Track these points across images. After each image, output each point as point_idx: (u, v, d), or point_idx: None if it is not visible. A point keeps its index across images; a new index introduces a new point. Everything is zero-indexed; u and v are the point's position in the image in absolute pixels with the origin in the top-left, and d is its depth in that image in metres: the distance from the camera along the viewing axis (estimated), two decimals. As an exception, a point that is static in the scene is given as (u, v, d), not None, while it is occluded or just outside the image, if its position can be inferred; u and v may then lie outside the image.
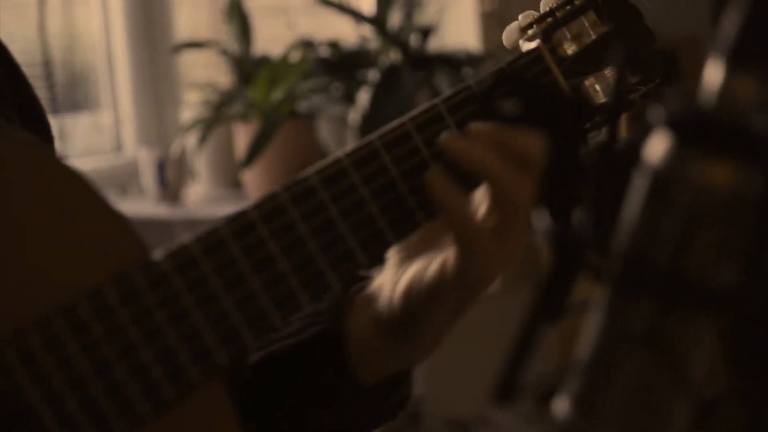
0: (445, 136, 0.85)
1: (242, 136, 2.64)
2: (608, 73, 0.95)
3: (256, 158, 2.52)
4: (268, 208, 0.80)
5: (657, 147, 0.54)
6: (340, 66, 2.83)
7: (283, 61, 2.69)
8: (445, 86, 2.76)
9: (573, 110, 0.89)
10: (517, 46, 0.97)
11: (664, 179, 0.54)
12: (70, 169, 0.76)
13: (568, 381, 0.56)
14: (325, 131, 2.85)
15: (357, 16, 2.87)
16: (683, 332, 0.54)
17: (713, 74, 0.53)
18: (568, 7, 0.95)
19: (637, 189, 0.55)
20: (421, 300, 0.88)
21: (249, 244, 0.78)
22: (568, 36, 0.94)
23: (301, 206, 0.81)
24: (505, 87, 0.89)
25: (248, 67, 2.73)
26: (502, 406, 0.54)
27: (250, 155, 2.52)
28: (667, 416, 0.55)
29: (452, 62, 2.84)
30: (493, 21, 3.33)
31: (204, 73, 3.15)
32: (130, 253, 0.76)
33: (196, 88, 2.93)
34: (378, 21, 2.82)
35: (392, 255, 0.91)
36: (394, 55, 2.84)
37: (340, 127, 2.94)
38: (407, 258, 0.90)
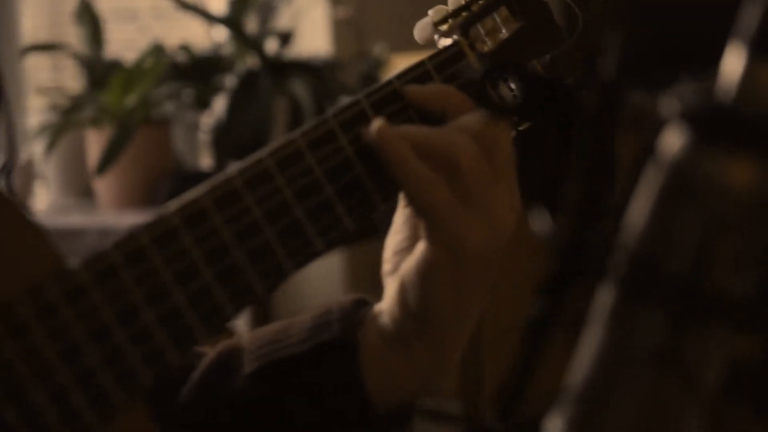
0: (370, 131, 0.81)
1: (94, 143, 2.54)
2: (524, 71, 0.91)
3: (110, 165, 2.43)
4: (189, 212, 0.74)
5: (672, 143, 0.50)
6: (194, 71, 2.75)
7: (137, 65, 2.60)
8: (302, 93, 2.71)
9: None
10: (430, 43, 0.93)
11: (679, 178, 0.50)
12: None
13: (562, 403, 0.51)
14: (179, 138, 2.76)
15: (212, 18, 2.80)
16: (701, 349, 0.50)
17: (734, 64, 0.49)
18: (481, 2, 0.92)
19: (649, 187, 0.50)
20: (415, 292, 0.83)
21: (172, 252, 0.72)
22: (482, 32, 0.91)
23: (225, 210, 0.75)
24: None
25: (100, 72, 2.63)
26: (505, 421, 0.49)
27: (104, 162, 2.42)
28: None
29: (309, 69, 2.79)
30: (347, 28, 3.29)
31: (49, 77, 3.04)
32: (45, 262, 0.69)
33: (43, 93, 2.82)
34: (234, 25, 2.76)
35: (387, 278, 0.87)
36: (250, 61, 2.77)
37: (195, 134, 2.86)
38: (398, 268, 0.86)
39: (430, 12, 0.92)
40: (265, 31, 2.80)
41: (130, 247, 0.71)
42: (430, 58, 0.87)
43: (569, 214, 0.54)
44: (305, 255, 0.78)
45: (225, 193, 0.75)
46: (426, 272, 0.82)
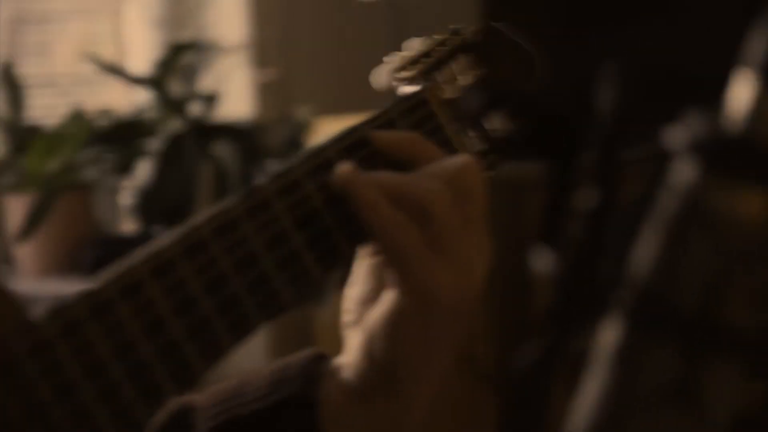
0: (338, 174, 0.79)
1: (15, 209, 2.48)
2: (486, 120, 0.90)
3: (33, 231, 2.38)
4: (155, 263, 0.71)
5: (682, 174, 0.48)
6: (116, 136, 2.71)
7: (58, 130, 2.56)
8: (227, 156, 2.69)
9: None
10: (388, 90, 0.91)
11: (690, 210, 0.48)
12: None
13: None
14: (100, 203, 2.72)
15: (136, 80, 2.77)
16: (714, 385, 0.48)
17: (742, 92, 0.48)
18: (441, 48, 0.90)
19: (659, 220, 0.49)
20: (383, 343, 0.79)
21: (139, 304, 0.69)
22: (441, 80, 0.89)
23: (194, 260, 0.72)
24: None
25: (20, 137, 2.58)
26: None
27: (27, 228, 2.37)
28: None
29: (234, 132, 2.76)
30: (271, 91, 3.28)
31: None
32: (5, 316, 0.66)
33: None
34: (157, 86, 2.73)
35: (347, 331, 0.83)
36: (174, 124, 2.74)
37: (116, 199, 2.82)
38: (361, 320, 0.82)
39: (385, 59, 0.91)
40: (189, 94, 2.77)
41: (127, 282, 0.69)
42: (394, 105, 0.85)
43: (571, 250, 0.52)
44: (274, 307, 0.75)
45: (193, 244, 0.73)
46: (394, 322, 0.79)
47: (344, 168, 0.79)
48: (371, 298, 0.83)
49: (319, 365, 0.85)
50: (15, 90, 2.62)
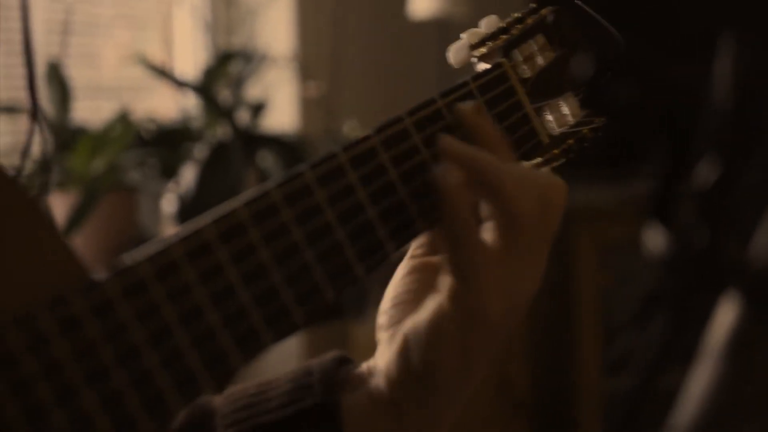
0: (445, 140, 0.76)
1: (59, 206, 2.47)
2: (562, 101, 0.88)
3: (75, 229, 2.36)
4: (225, 225, 0.68)
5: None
6: (161, 140, 2.70)
7: (104, 131, 2.54)
8: (271, 166, 2.67)
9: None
10: (465, 65, 0.88)
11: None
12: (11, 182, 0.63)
13: None
14: (143, 206, 2.70)
15: (185, 86, 2.76)
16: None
17: None
18: (519, 26, 0.88)
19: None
20: (421, 353, 0.76)
21: (207, 267, 0.66)
22: (521, 58, 0.87)
23: (263, 225, 0.69)
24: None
25: (66, 137, 2.57)
26: None
27: (69, 226, 2.35)
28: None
29: (279, 143, 2.74)
30: (316, 105, 3.26)
31: (8, 141, 2.97)
32: (70, 275, 0.63)
33: (5, 156, 2.75)
34: (206, 93, 2.71)
35: (382, 333, 0.80)
36: (220, 131, 2.73)
37: (158, 203, 2.80)
38: (397, 322, 0.79)
39: (463, 35, 0.88)
40: (236, 102, 2.76)
41: (163, 261, 0.65)
42: (474, 78, 0.83)
43: (687, 228, 0.49)
44: (345, 279, 0.72)
45: (262, 208, 0.70)
46: (438, 330, 0.75)
47: (446, 138, 0.75)
48: (409, 300, 0.80)
49: (343, 370, 0.82)
50: (62, 90, 2.61)
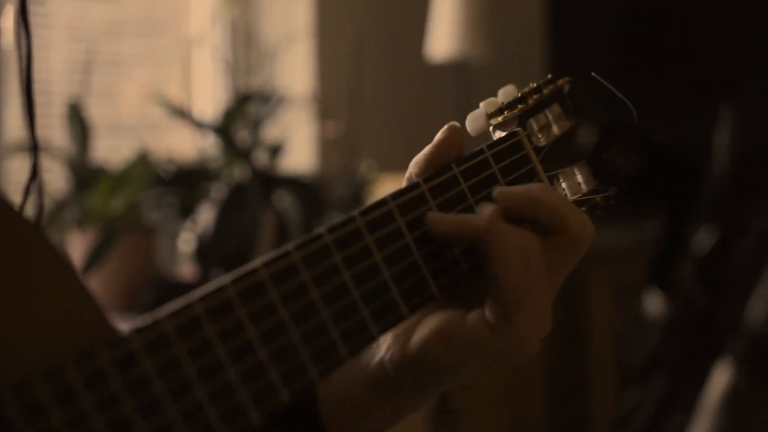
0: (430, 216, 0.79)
1: (77, 245, 2.49)
2: (576, 170, 0.90)
3: (93, 268, 2.38)
4: (245, 285, 0.70)
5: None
6: (180, 179, 2.72)
7: (125, 170, 2.57)
8: (289, 207, 2.69)
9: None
10: (482, 134, 0.90)
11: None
12: (40, 236, 0.65)
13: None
14: (162, 246, 2.72)
15: (204, 126, 2.78)
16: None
17: None
18: (535, 96, 0.90)
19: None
20: (446, 352, 0.79)
21: (226, 326, 0.68)
22: (536, 127, 0.89)
23: (281, 286, 0.71)
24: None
25: (85, 175, 2.60)
26: None
27: (88, 265, 2.37)
28: None
29: (297, 184, 2.76)
30: (334, 145, 3.28)
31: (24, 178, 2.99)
32: (96, 327, 0.65)
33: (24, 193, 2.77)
34: (224, 134, 2.74)
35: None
36: (238, 171, 2.75)
37: (175, 243, 2.82)
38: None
39: (481, 104, 0.90)
40: (254, 143, 2.78)
41: (185, 318, 0.68)
42: (489, 146, 0.85)
43: (685, 294, 0.50)
44: (360, 340, 0.74)
45: (281, 269, 0.72)
46: (469, 349, 0.78)
47: (486, 211, 0.78)
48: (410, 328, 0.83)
49: None
50: (81, 129, 2.63)
